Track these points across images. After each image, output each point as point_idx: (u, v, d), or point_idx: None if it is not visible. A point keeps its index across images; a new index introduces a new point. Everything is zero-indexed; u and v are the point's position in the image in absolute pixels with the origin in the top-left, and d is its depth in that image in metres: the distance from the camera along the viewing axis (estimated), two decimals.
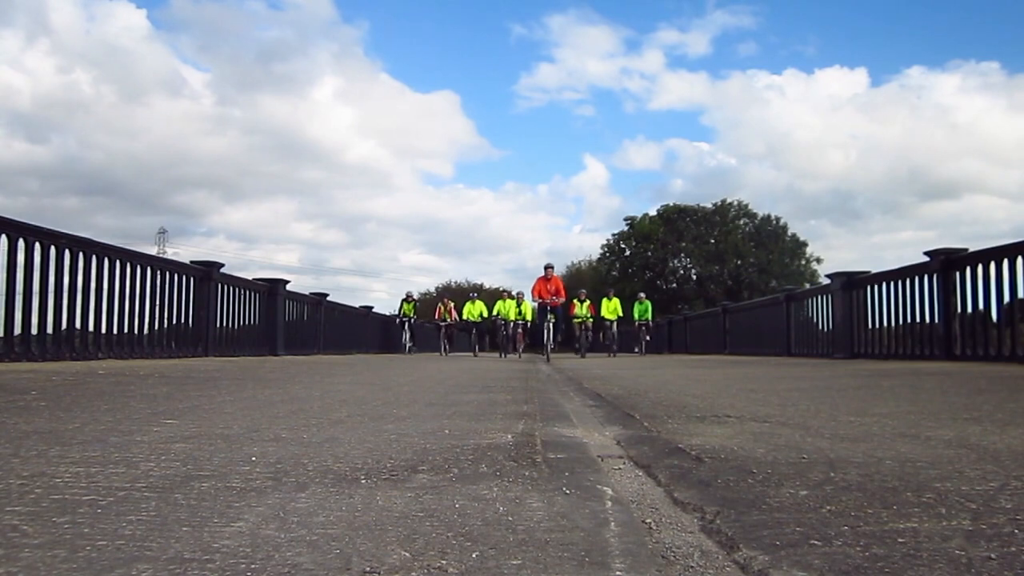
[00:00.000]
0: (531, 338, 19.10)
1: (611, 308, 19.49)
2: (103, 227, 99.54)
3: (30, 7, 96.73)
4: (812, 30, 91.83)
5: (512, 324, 18.23)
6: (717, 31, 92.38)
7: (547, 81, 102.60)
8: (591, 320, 18.87)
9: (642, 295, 21.61)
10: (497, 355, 18.00)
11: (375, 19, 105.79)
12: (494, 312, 19.34)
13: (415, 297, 21.79)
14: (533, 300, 15.91)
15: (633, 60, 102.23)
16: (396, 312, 22.05)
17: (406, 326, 20.68)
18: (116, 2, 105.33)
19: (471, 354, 19.87)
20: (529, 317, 18.42)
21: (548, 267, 16.13)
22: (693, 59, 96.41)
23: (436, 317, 21.47)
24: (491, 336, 19.72)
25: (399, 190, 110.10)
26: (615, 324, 19.55)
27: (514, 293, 19.15)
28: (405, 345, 20.28)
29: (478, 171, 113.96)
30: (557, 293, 15.71)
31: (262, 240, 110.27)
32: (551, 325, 15.13)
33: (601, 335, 21.37)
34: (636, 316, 20.65)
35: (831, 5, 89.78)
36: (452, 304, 21.61)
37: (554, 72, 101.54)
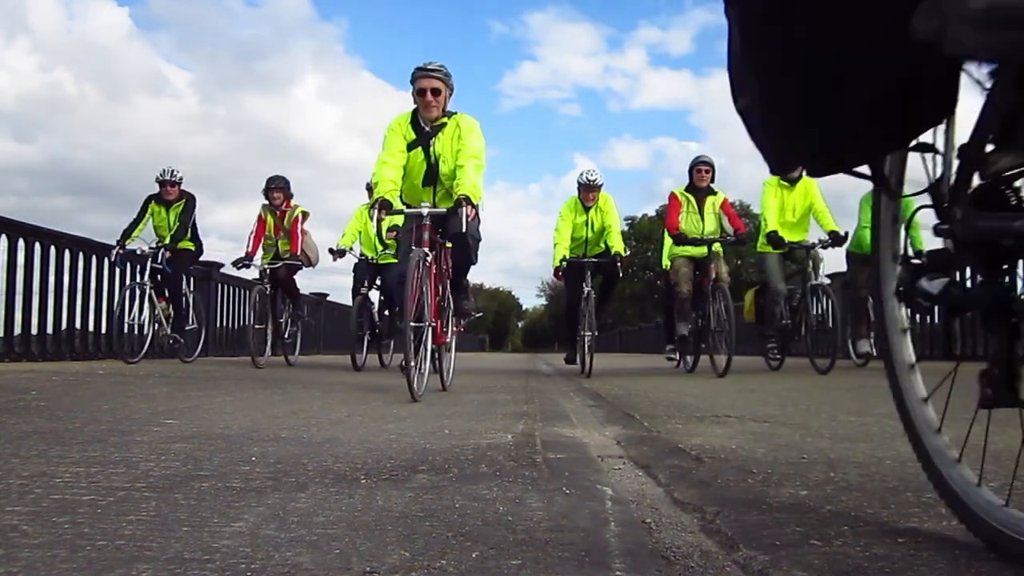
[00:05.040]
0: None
1: (802, 199, 6.85)
2: (94, 227, 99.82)
3: (8, 5, 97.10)
4: None
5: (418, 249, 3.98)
6: (697, 29, 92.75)
7: (531, 80, 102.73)
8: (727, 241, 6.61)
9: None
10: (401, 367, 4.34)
11: (353, 17, 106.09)
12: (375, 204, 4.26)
13: (177, 178, 7.55)
14: None
15: (615, 58, 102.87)
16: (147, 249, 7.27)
17: (146, 275, 7.16)
18: (96, 0, 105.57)
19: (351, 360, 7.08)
20: (478, 192, 4.28)
21: None
22: (676, 57, 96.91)
23: (251, 249, 7.48)
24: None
25: None
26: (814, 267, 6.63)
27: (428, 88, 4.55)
28: (138, 328, 7.20)
29: None
30: None
31: None
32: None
33: (711, 299, 6.44)
34: (856, 243, 7.21)
35: None
36: (302, 213, 7.70)
37: (537, 71, 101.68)
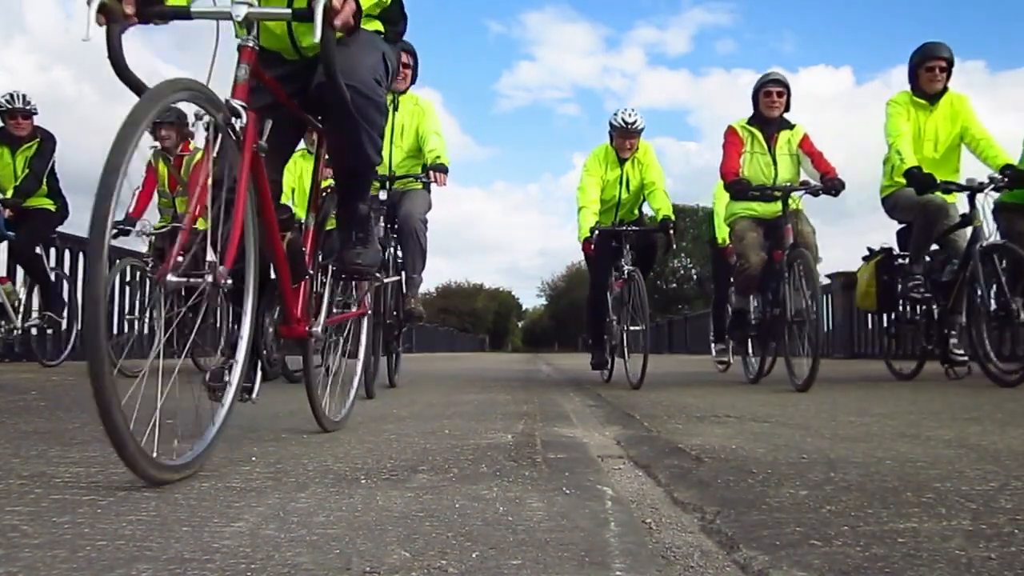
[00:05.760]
0: None
1: (948, 124, 4.52)
2: None
3: (6, 5, 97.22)
4: (789, 27, 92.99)
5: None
6: (695, 28, 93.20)
7: (529, 80, 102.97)
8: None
9: None
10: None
11: None
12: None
13: (30, 108, 5.62)
14: None
15: (613, 58, 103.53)
16: None
17: None
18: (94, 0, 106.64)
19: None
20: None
21: None
22: (673, 57, 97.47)
23: (133, 210, 5.15)
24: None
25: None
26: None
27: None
28: None
29: (465, 169, 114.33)
30: None
31: None
32: None
33: (786, 275, 4.30)
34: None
35: (803, 3, 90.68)
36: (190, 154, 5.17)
37: (535, 70, 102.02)
